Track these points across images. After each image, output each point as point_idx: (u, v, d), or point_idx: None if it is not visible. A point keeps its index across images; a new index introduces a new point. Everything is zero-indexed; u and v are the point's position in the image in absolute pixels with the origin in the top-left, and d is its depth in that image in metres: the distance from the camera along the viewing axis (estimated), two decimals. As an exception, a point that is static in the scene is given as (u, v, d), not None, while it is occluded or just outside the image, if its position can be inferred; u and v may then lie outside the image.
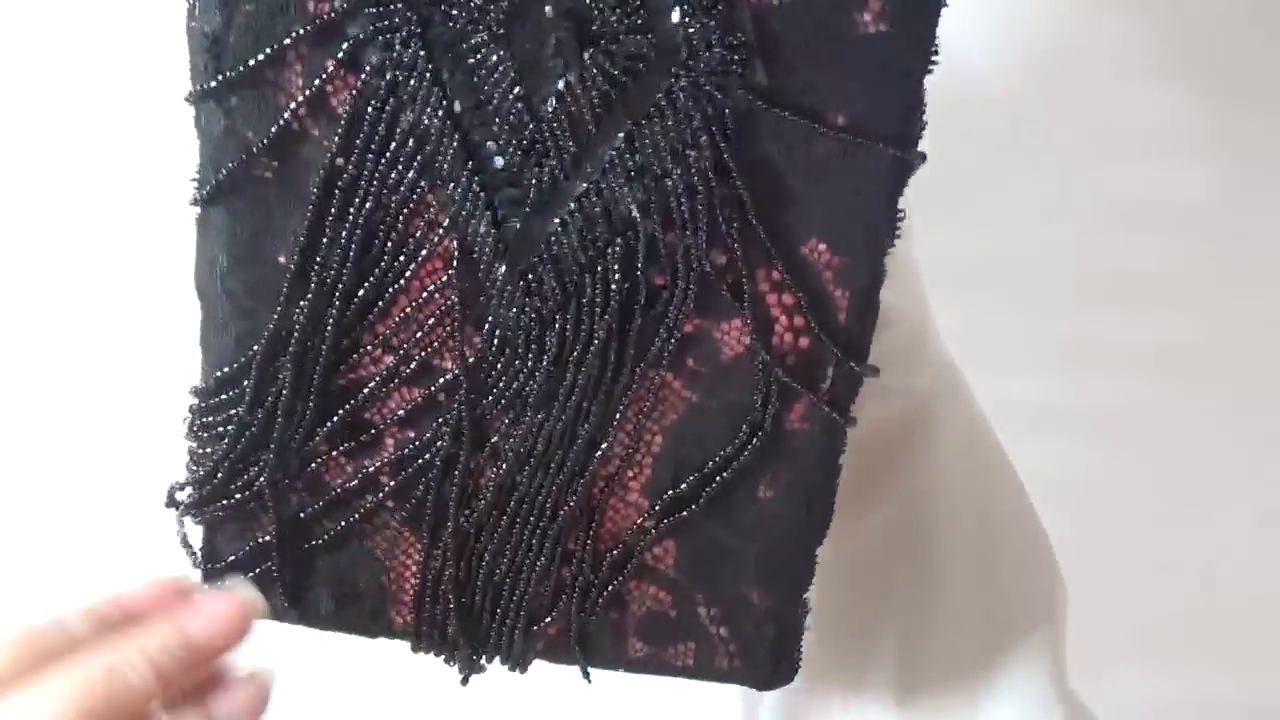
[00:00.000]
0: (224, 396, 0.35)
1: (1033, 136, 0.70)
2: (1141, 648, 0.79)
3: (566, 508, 0.36)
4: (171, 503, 0.37)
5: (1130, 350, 0.74)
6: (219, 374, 0.35)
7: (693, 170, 0.32)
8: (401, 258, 0.34)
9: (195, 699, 0.32)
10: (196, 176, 0.33)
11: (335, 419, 0.35)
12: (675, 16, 0.31)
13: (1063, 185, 0.71)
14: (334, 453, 0.36)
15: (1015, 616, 0.49)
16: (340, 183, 0.33)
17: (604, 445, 0.35)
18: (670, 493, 0.36)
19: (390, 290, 0.34)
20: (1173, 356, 0.74)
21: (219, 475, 0.35)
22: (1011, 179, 0.71)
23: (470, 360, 0.34)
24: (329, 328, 0.34)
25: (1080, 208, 0.72)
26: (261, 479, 0.36)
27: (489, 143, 0.32)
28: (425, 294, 0.34)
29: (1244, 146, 0.69)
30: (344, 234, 0.33)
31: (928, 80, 0.31)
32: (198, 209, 0.34)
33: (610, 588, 0.37)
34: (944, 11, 0.31)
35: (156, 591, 0.33)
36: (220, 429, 0.35)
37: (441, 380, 0.35)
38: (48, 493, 0.62)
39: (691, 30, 0.31)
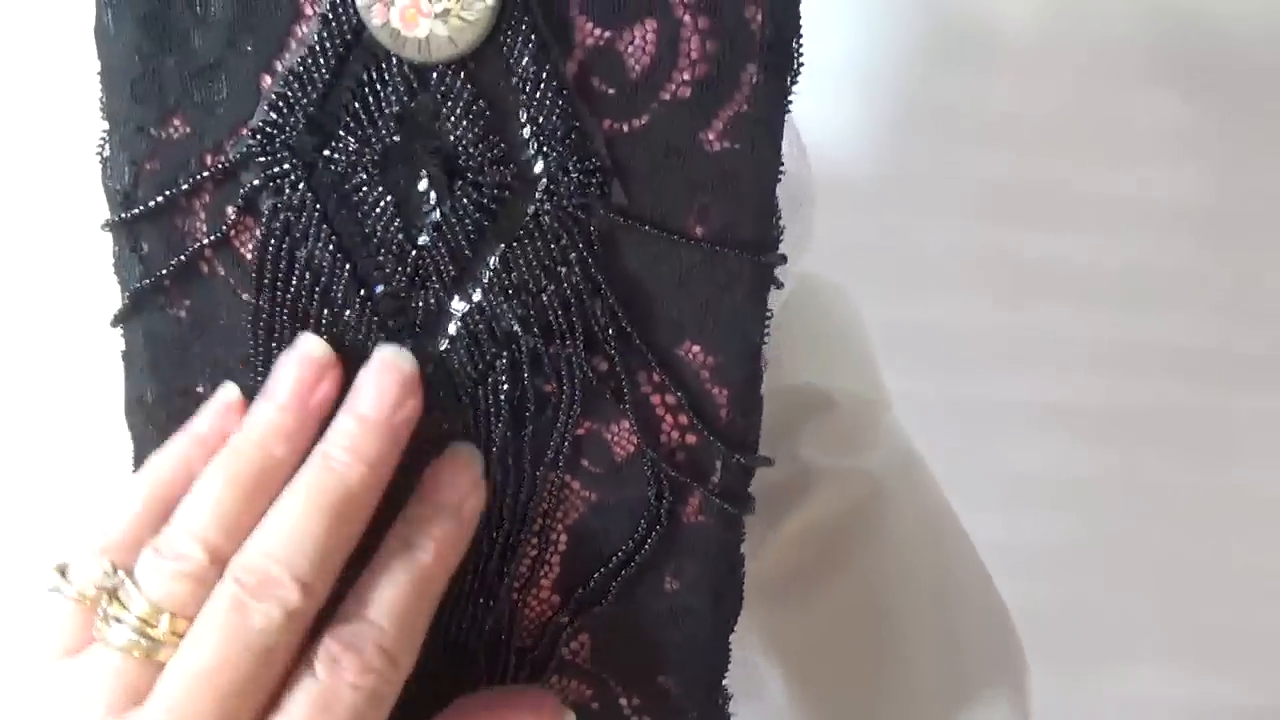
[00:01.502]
0: None
1: (1032, 136, 0.71)
2: (1142, 648, 0.78)
3: (492, 612, 0.37)
4: None
5: (1130, 349, 0.74)
6: None
7: (565, 285, 0.34)
8: None
9: None
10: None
11: None
12: (532, 148, 0.33)
13: (1062, 185, 0.72)
14: None
15: (980, 694, 0.49)
16: (262, 321, 0.35)
17: (517, 548, 0.37)
18: (581, 589, 0.37)
19: None
20: (1172, 356, 0.74)
21: None
22: (1011, 179, 0.72)
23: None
24: None
25: (1080, 207, 0.72)
26: None
27: (375, 271, 0.35)
28: None
29: (1244, 146, 0.69)
30: (262, 365, 0.36)
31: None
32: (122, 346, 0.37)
33: (534, 684, 0.38)
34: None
35: (301, 382, 0.34)
36: None
37: None
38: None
39: (549, 159, 0.33)
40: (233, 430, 0.34)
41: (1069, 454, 0.77)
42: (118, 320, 0.37)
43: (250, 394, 0.35)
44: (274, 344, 0.36)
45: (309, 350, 0.34)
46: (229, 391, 0.35)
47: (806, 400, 0.52)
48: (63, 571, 0.33)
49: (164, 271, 0.36)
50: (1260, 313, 0.71)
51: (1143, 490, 0.76)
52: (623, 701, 0.39)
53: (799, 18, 0.32)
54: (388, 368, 0.34)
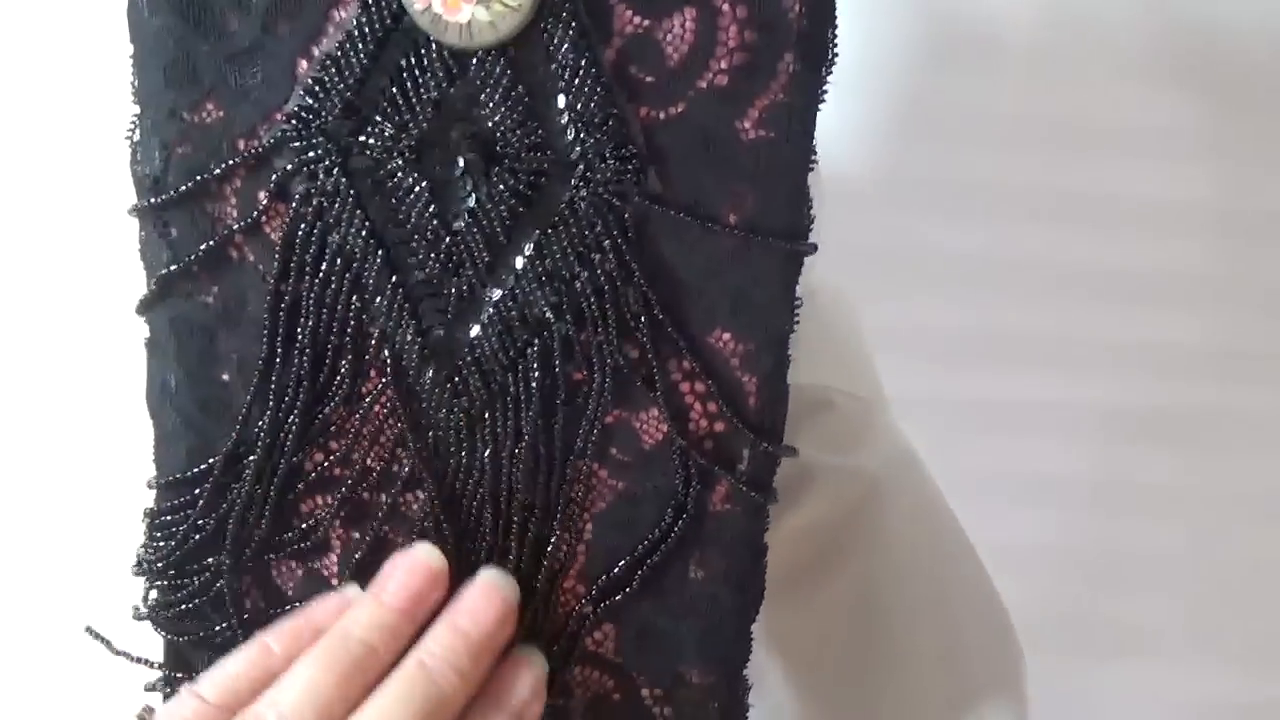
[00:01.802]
0: (175, 501, 0.37)
1: (1033, 136, 0.71)
2: (1141, 647, 0.78)
3: (529, 606, 0.37)
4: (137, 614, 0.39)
5: (1129, 350, 0.74)
6: (168, 479, 0.37)
7: (599, 272, 0.34)
8: (343, 369, 0.36)
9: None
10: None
11: (295, 531, 0.37)
12: (570, 134, 0.33)
13: (1062, 185, 0.72)
14: (283, 553, 0.38)
15: (979, 690, 0.50)
16: (283, 305, 0.35)
17: (552, 539, 0.37)
18: (605, 577, 0.37)
19: (335, 402, 0.36)
20: (1172, 356, 0.74)
21: (170, 570, 0.37)
22: (1011, 179, 0.72)
23: (418, 461, 0.36)
24: (289, 444, 0.36)
25: (1080, 207, 0.73)
26: (219, 581, 0.37)
27: (409, 258, 0.35)
28: (367, 402, 0.36)
29: (1245, 147, 0.70)
30: (295, 353, 0.35)
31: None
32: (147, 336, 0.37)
33: (557, 675, 0.38)
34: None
35: (413, 588, 0.35)
36: (172, 528, 0.37)
37: (370, 480, 0.37)
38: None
39: (586, 145, 0.33)
40: None
41: (1068, 454, 0.78)
42: (144, 306, 0.36)
43: (259, 383, 0.36)
44: (296, 329, 0.35)
45: (426, 559, 0.35)
46: (354, 590, 0.36)
47: (805, 400, 0.52)
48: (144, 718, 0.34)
49: (193, 256, 0.35)
50: (1261, 312, 0.71)
51: (1142, 490, 0.76)
52: (644, 692, 0.39)
53: (834, 8, 0.32)
54: (493, 590, 0.35)
